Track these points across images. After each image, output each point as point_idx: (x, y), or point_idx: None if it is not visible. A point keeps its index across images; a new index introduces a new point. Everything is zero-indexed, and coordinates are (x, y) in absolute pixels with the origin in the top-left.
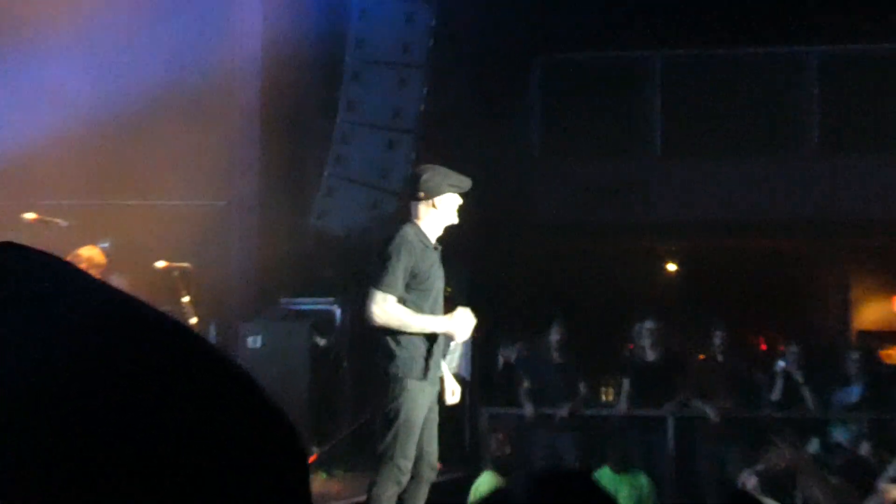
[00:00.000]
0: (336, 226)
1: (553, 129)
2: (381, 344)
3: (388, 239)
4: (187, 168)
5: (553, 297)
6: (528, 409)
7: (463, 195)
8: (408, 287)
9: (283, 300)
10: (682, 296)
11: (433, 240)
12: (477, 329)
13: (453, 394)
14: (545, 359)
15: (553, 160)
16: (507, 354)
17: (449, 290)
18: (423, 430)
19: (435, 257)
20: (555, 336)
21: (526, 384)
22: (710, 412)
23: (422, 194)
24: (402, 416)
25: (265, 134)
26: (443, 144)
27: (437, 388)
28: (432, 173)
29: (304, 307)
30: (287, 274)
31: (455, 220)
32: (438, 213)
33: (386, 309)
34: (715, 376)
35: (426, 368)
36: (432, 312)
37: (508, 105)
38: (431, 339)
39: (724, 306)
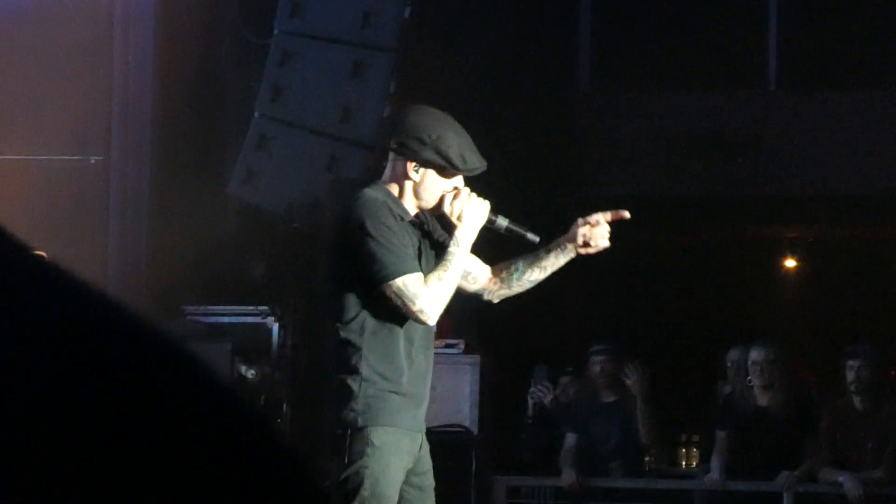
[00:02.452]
0: (270, 196)
1: (609, 49)
2: (332, 374)
3: (347, 214)
4: (49, 111)
5: (608, 310)
6: (568, 478)
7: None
8: (377, 292)
9: (189, 308)
10: (809, 309)
11: (411, 213)
12: (489, 356)
13: None
14: (594, 399)
15: (608, 97)
16: (542, 395)
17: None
18: (413, 496)
19: (415, 235)
20: (593, 368)
21: (570, 436)
22: (849, 482)
23: (394, 143)
24: (367, 487)
25: (163, 56)
26: (438, 71)
27: (421, 442)
28: (424, 120)
29: (221, 320)
30: (194, 269)
31: (438, 207)
32: (413, 187)
33: (424, 294)
34: (857, 431)
35: (403, 411)
36: (426, 334)
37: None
38: (411, 362)
39: (873, 326)
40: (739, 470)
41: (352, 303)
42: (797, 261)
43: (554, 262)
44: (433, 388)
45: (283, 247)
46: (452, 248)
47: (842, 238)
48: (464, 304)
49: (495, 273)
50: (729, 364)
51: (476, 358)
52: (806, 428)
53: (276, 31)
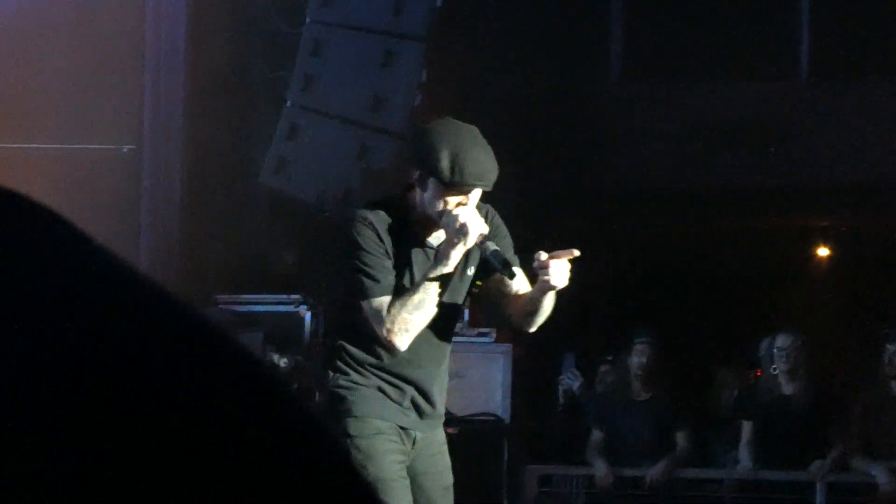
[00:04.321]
0: (301, 185)
1: (640, 39)
2: (323, 367)
3: (343, 226)
4: (83, 101)
5: (640, 300)
6: (600, 469)
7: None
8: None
9: (221, 297)
10: (839, 296)
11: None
12: (521, 345)
13: None
14: (623, 391)
15: (639, 88)
16: (573, 385)
17: (479, 284)
18: (419, 499)
19: (421, 255)
20: (638, 359)
21: (597, 432)
22: (882, 475)
23: (410, 152)
24: (369, 473)
25: (195, 45)
26: (470, 60)
27: (433, 431)
28: (436, 132)
29: (253, 309)
30: (226, 258)
31: (434, 215)
32: (420, 197)
33: (389, 320)
34: (889, 419)
35: (378, 402)
36: (428, 344)
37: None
38: (397, 357)
39: None
40: (767, 458)
41: (345, 303)
42: (829, 250)
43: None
44: (462, 376)
45: (315, 236)
46: (429, 272)
47: (873, 227)
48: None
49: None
50: (762, 353)
51: (508, 346)
52: (832, 415)
53: (307, 20)
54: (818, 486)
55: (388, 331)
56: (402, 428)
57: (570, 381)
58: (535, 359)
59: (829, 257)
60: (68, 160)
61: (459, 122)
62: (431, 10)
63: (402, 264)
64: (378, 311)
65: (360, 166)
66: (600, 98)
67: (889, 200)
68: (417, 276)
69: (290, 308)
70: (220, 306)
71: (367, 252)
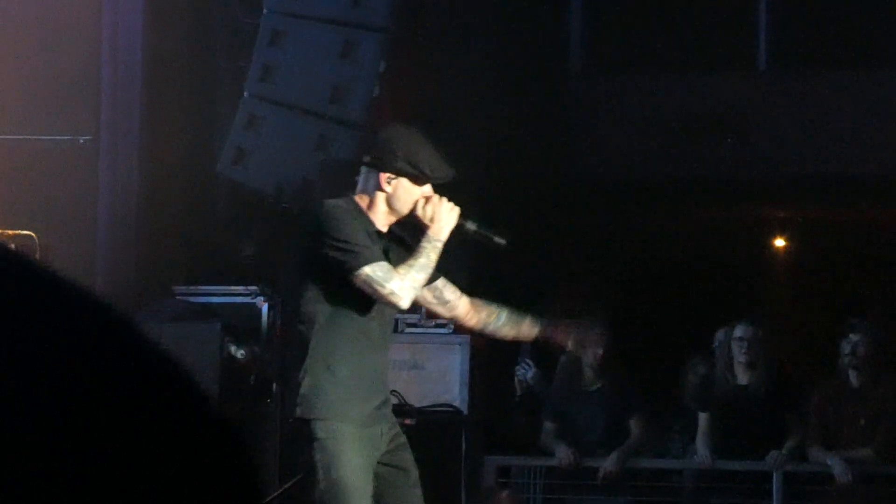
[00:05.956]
0: (259, 176)
1: (600, 32)
2: (287, 360)
3: (312, 219)
4: (39, 92)
5: (596, 288)
6: (562, 457)
7: (438, 187)
8: (326, 289)
9: (179, 289)
10: (797, 287)
11: (381, 226)
12: (480, 339)
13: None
14: (579, 383)
15: (601, 78)
16: (526, 374)
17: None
18: (383, 496)
19: (380, 245)
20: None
21: (550, 422)
22: (838, 467)
23: (368, 157)
24: (322, 478)
25: (152, 35)
26: (430, 51)
27: (394, 432)
28: (396, 136)
29: (211, 300)
30: (184, 249)
31: (405, 213)
32: (386, 198)
33: (394, 277)
34: (847, 410)
35: (347, 403)
36: (381, 334)
37: None
38: (361, 358)
39: (863, 303)
40: (724, 449)
41: (308, 298)
42: (786, 241)
43: (527, 333)
44: (420, 367)
45: (273, 227)
46: (425, 243)
47: (830, 219)
48: (454, 284)
49: (475, 308)
50: (716, 345)
51: (466, 337)
52: (787, 404)
53: (265, 11)
54: (775, 476)
55: (398, 288)
56: (370, 425)
57: (524, 370)
58: (493, 350)
59: (786, 248)
60: (24, 151)
61: (409, 127)
62: (390, 1)
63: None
64: (375, 276)
65: (318, 157)
66: (560, 90)
67: (848, 190)
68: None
69: (248, 299)
70: (178, 297)
71: (350, 229)
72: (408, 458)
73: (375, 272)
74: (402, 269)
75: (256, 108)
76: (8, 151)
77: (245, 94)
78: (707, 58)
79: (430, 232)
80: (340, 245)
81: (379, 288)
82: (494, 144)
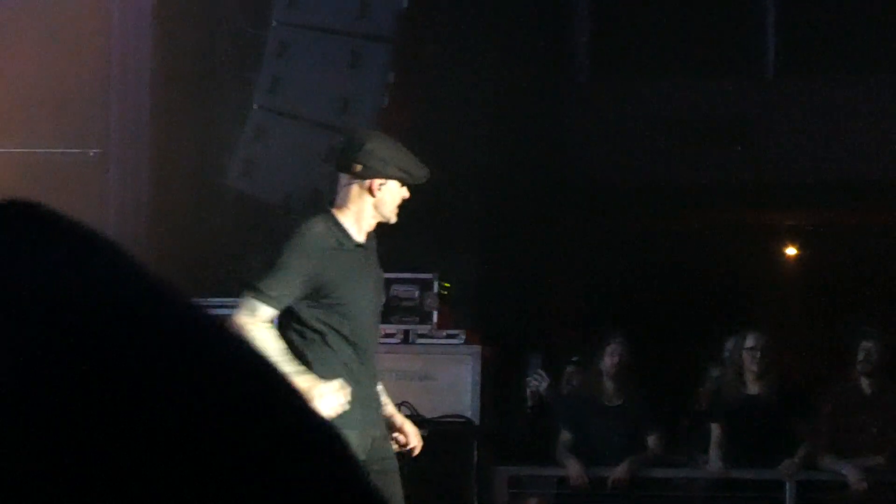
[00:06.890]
0: (268, 188)
1: (607, 38)
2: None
3: (289, 234)
4: (49, 105)
5: (608, 299)
6: (571, 469)
7: (413, 188)
8: (312, 300)
9: None
10: (807, 294)
11: (360, 236)
12: (491, 346)
13: (404, 442)
14: (595, 394)
15: (606, 85)
16: (539, 386)
17: (447, 286)
18: None
19: (357, 260)
20: (609, 359)
21: (566, 434)
22: (850, 474)
23: (358, 167)
24: None
25: (161, 48)
26: (437, 61)
27: (379, 433)
28: (380, 144)
29: (220, 312)
30: (193, 261)
31: (393, 218)
32: (374, 203)
33: (250, 327)
34: (859, 417)
35: (357, 405)
36: (355, 340)
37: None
38: (349, 369)
39: (875, 312)
40: (736, 458)
41: (300, 307)
42: (796, 248)
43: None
44: (432, 378)
45: (282, 238)
46: (296, 371)
47: (841, 225)
48: (464, 294)
49: None
50: (726, 354)
51: (477, 348)
52: (798, 413)
53: (273, 23)
54: (787, 485)
55: (241, 324)
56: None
57: (537, 382)
58: (504, 360)
59: (796, 255)
60: (34, 164)
61: (382, 134)
62: (397, 11)
63: (340, 264)
64: (251, 309)
65: (327, 168)
66: (567, 97)
67: (855, 197)
68: (356, 276)
69: None
70: None
71: (295, 263)
72: (388, 447)
73: (252, 306)
74: (266, 338)
75: (265, 119)
76: (18, 164)
77: (254, 105)
78: (715, 65)
79: (306, 387)
80: (274, 265)
81: (239, 314)
82: (502, 152)
